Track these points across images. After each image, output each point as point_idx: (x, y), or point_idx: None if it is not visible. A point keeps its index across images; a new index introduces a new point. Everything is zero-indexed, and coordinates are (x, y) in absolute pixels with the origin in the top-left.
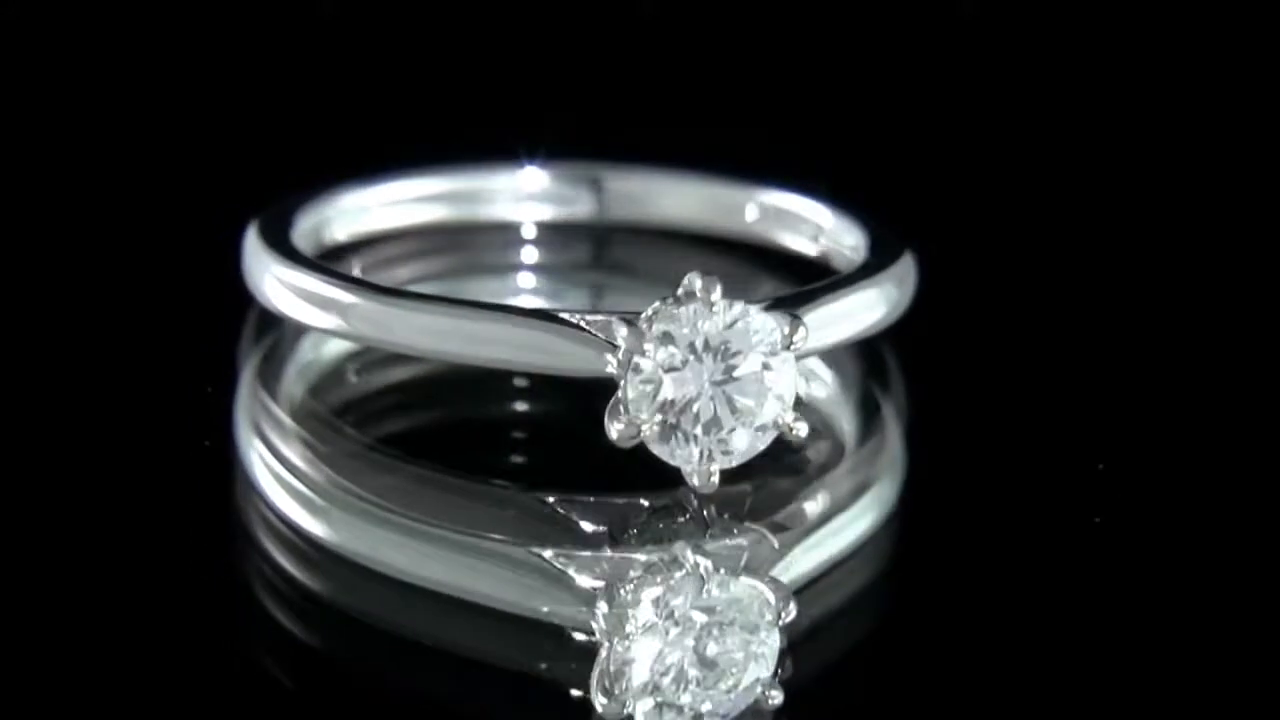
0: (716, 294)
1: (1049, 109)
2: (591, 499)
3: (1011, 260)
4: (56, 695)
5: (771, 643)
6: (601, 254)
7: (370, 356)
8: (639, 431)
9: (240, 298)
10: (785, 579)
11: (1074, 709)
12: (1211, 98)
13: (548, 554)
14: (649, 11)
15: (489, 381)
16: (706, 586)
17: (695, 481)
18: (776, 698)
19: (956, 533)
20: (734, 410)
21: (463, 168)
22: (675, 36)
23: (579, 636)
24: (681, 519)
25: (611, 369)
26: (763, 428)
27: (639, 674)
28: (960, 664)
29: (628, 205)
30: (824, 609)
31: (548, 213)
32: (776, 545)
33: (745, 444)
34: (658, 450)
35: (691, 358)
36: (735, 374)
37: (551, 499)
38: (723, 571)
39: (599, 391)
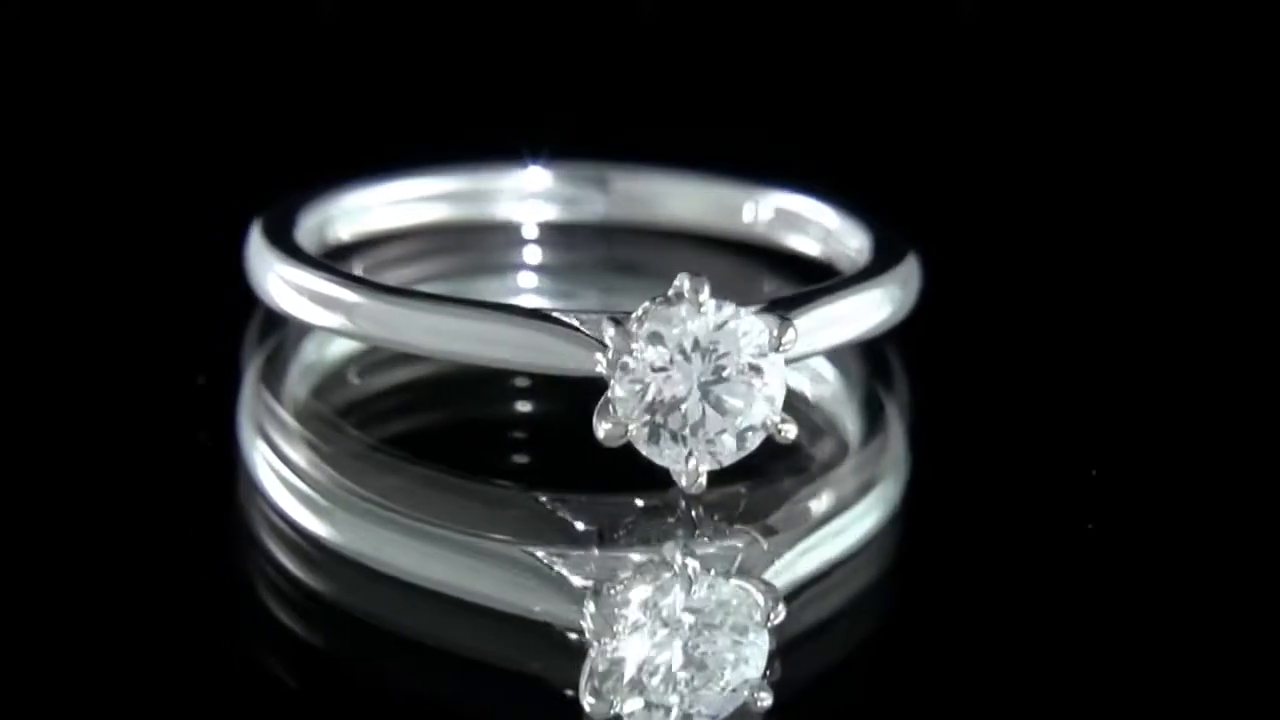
0: (705, 294)
1: (1050, 109)
2: (583, 498)
3: (1015, 261)
4: (60, 695)
5: (760, 644)
6: (606, 254)
7: (372, 358)
8: (626, 431)
9: (244, 297)
10: (780, 580)
11: (1076, 708)
12: (1212, 97)
13: (540, 553)
14: (649, 11)
15: (492, 382)
16: (695, 588)
17: (683, 482)
18: (765, 699)
19: (959, 532)
20: (722, 411)
21: (467, 167)
22: (676, 36)
23: (572, 636)
24: (670, 520)
25: (601, 368)
26: (751, 429)
27: (627, 674)
28: (963, 663)
29: (632, 205)
30: (827, 608)
31: (552, 213)
32: (766, 547)
33: (733, 445)
34: (646, 451)
35: (680, 358)
36: (724, 375)
37: (544, 498)
38: (712, 573)
39: (600, 392)
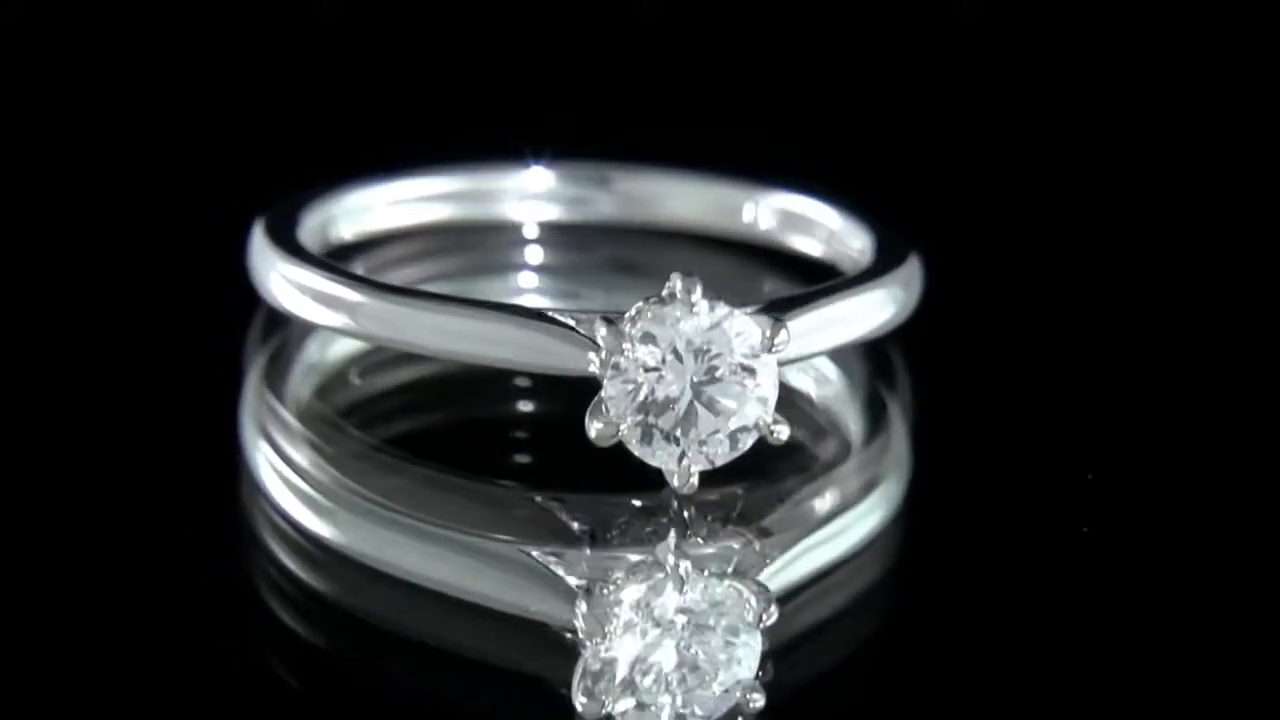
0: (697, 295)
1: (1051, 109)
2: (581, 499)
3: (1017, 261)
4: (63, 695)
5: (753, 645)
6: (608, 255)
7: (373, 359)
8: (618, 431)
9: (246, 297)
10: (776, 581)
11: (1079, 708)
12: (1212, 97)
13: (534, 553)
14: (649, 11)
15: (493, 382)
16: (688, 588)
17: (675, 482)
18: (758, 700)
19: (961, 531)
20: (715, 412)
21: (470, 167)
22: (678, 37)
23: (569, 636)
24: (664, 520)
25: (594, 368)
26: (744, 429)
27: (619, 675)
28: (965, 663)
29: (635, 206)
30: (829, 608)
31: (555, 213)
32: (759, 548)
33: (726, 446)
34: (638, 451)
35: (672, 358)
36: (716, 375)
37: (538, 498)
38: (705, 573)
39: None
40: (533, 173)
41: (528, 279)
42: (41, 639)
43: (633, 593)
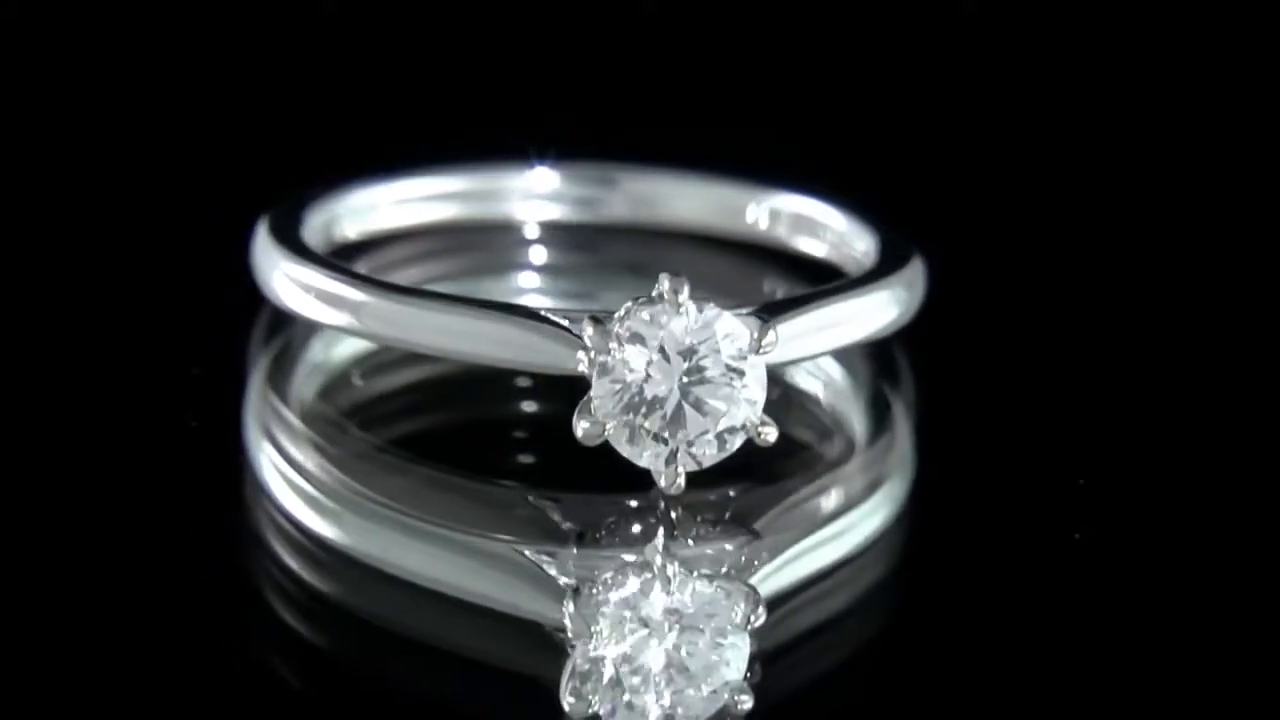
0: (685, 295)
1: (1052, 110)
2: (573, 498)
3: (1020, 262)
4: (67, 696)
5: (741, 646)
6: (613, 255)
7: (376, 360)
8: (604, 430)
9: (250, 297)
10: (772, 582)
11: (1083, 707)
12: (1213, 96)
13: (528, 553)
14: (649, 11)
15: (497, 382)
16: (676, 589)
17: (662, 483)
18: (746, 702)
19: (964, 530)
20: (703, 412)
21: (475, 167)
22: (682, 37)
23: (559, 636)
24: (652, 521)
25: (583, 367)
26: (731, 430)
27: (607, 675)
28: (969, 662)
29: (641, 206)
30: (833, 607)
31: (560, 213)
32: (749, 550)
33: (714, 447)
34: (625, 451)
35: (659, 358)
36: (704, 376)
37: (531, 497)
38: (695, 574)
39: None
40: (537, 173)
41: (532, 279)
42: (46, 640)
43: (620, 593)
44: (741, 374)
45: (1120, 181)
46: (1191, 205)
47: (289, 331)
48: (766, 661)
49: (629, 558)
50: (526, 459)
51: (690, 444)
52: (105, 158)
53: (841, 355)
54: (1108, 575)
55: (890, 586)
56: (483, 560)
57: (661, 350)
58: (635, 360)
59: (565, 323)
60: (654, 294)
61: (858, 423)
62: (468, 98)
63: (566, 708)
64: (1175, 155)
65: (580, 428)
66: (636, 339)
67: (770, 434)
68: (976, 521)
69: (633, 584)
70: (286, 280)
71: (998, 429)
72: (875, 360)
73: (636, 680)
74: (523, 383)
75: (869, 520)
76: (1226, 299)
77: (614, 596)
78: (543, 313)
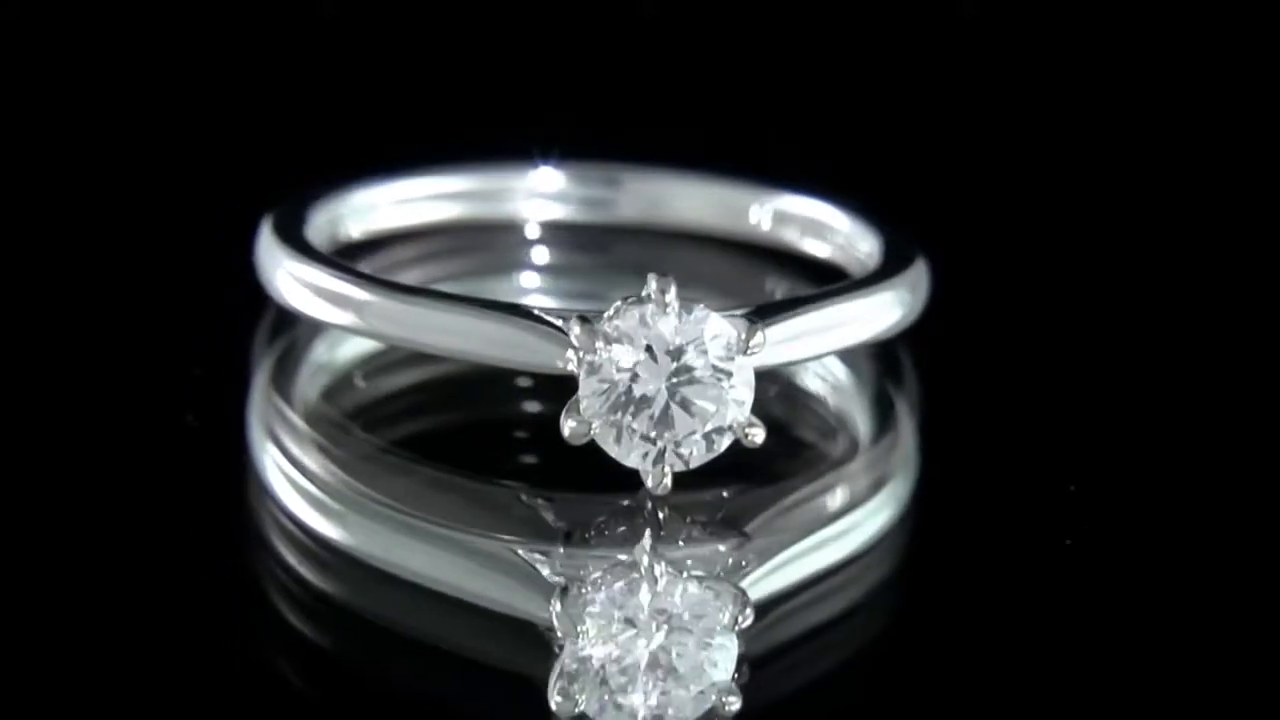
0: (672, 295)
1: (1054, 110)
2: (566, 497)
3: (1023, 263)
4: (71, 697)
5: (729, 647)
6: (616, 255)
7: (379, 361)
8: (590, 430)
9: (255, 297)
10: (774, 581)
11: (1085, 708)
12: (1215, 96)
13: (521, 552)
14: (649, 11)
15: (501, 382)
16: (664, 589)
17: (650, 483)
18: (734, 704)
19: (968, 529)
20: (690, 412)
21: (479, 167)
22: (684, 37)
23: (548, 635)
24: (640, 520)
25: (572, 366)
26: (719, 431)
27: (594, 675)
28: (972, 662)
29: (645, 207)
30: (836, 606)
31: (563, 213)
32: (736, 552)
33: (701, 447)
34: (613, 451)
35: (646, 357)
36: (691, 376)
37: (523, 495)
38: (683, 575)
39: None
40: (541, 173)
41: (535, 279)
42: (50, 640)
43: (607, 593)
44: (729, 375)
45: (1122, 182)
46: (1193, 205)
47: (293, 333)
48: (767, 662)
49: (620, 557)
50: (529, 459)
51: (678, 444)
52: (109, 158)
53: (845, 355)
54: (1109, 575)
55: (893, 586)
56: (483, 561)
57: (649, 350)
58: (623, 360)
59: (559, 322)
60: (642, 294)
61: (861, 422)
62: (470, 98)
63: (554, 707)
64: (1177, 155)
65: (567, 426)
66: (624, 338)
67: (758, 435)
68: (979, 521)
69: (620, 584)
70: (290, 279)
71: (1000, 429)
72: (879, 360)
73: (624, 680)
74: (525, 383)
75: (873, 519)
76: (1228, 299)
77: (601, 596)
78: (536, 311)
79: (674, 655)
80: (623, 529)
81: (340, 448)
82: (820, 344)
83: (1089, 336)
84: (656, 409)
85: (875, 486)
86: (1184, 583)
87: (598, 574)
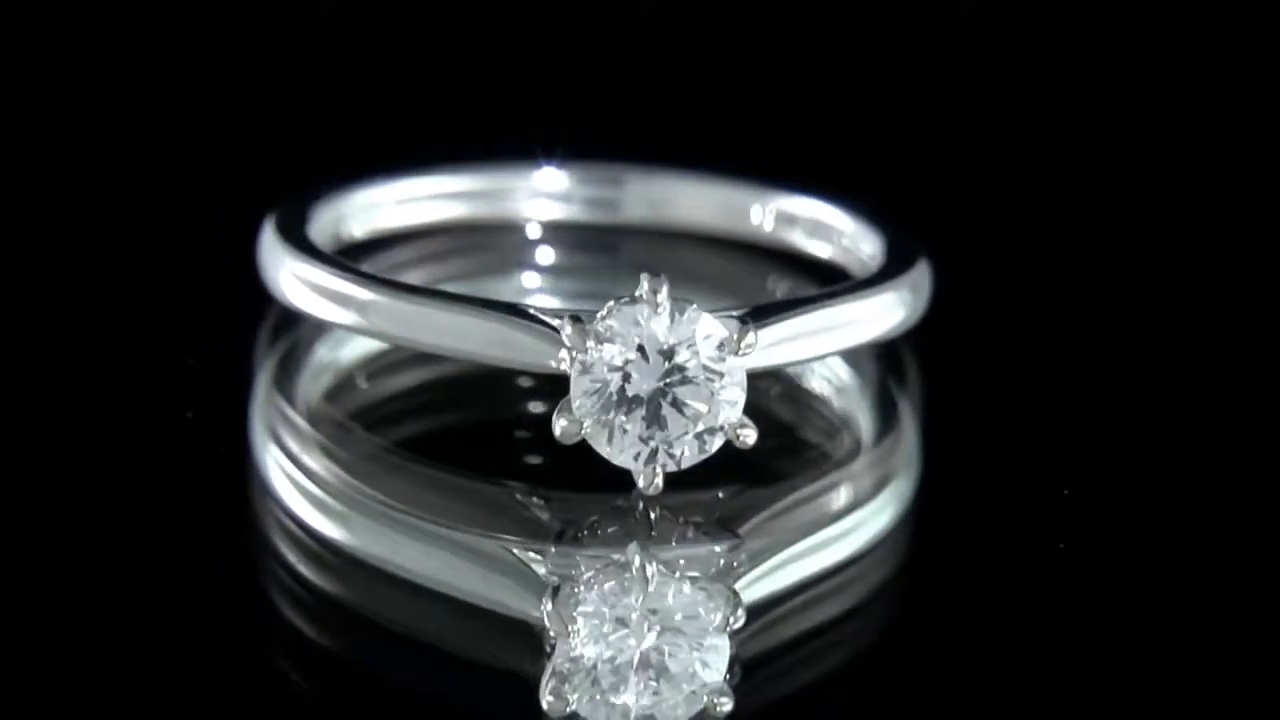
0: (663, 295)
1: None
2: (563, 496)
3: (1026, 263)
4: (74, 698)
5: (721, 648)
6: (619, 255)
7: (382, 362)
8: (582, 429)
9: (258, 297)
10: (761, 584)
11: (1088, 707)
12: (1215, 95)
13: (516, 551)
14: (649, 11)
15: (503, 382)
16: (656, 590)
17: (641, 483)
18: (725, 705)
19: (970, 528)
20: (682, 412)
21: (482, 166)
22: (686, 38)
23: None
24: (633, 520)
25: (565, 365)
26: (710, 431)
27: (586, 675)
28: (974, 662)
29: (647, 207)
30: (840, 605)
31: (566, 213)
32: (726, 553)
33: (693, 447)
34: (604, 451)
35: (638, 357)
36: (683, 376)
37: (519, 495)
38: (677, 575)
39: None
40: (545, 173)
41: (538, 279)
42: (53, 641)
43: (599, 592)
44: (721, 375)
45: (1125, 182)
46: (1195, 205)
47: (295, 333)
48: (766, 663)
49: (615, 557)
50: (533, 460)
51: (670, 444)
52: (111, 159)
53: (849, 355)
54: (1108, 576)
55: (896, 585)
56: (482, 561)
57: (641, 350)
58: (614, 359)
59: (554, 321)
60: (635, 294)
61: (864, 422)
62: (474, 97)
63: (545, 706)
64: (1179, 155)
65: (558, 426)
66: (616, 338)
67: (749, 436)
68: (981, 521)
69: (612, 583)
70: (292, 278)
71: (1002, 430)
72: (882, 360)
73: (615, 680)
74: (527, 384)
75: (875, 520)
76: (1230, 299)
77: (593, 596)
78: (531, 311)
79: (666, 655)
80: (614, 529)
81: (342, 448)
82: (822, 344)
83: (1091, 337)
84: (648, 409)
85: (878, 486)
86: (1184, 584)
87: (590, 573)
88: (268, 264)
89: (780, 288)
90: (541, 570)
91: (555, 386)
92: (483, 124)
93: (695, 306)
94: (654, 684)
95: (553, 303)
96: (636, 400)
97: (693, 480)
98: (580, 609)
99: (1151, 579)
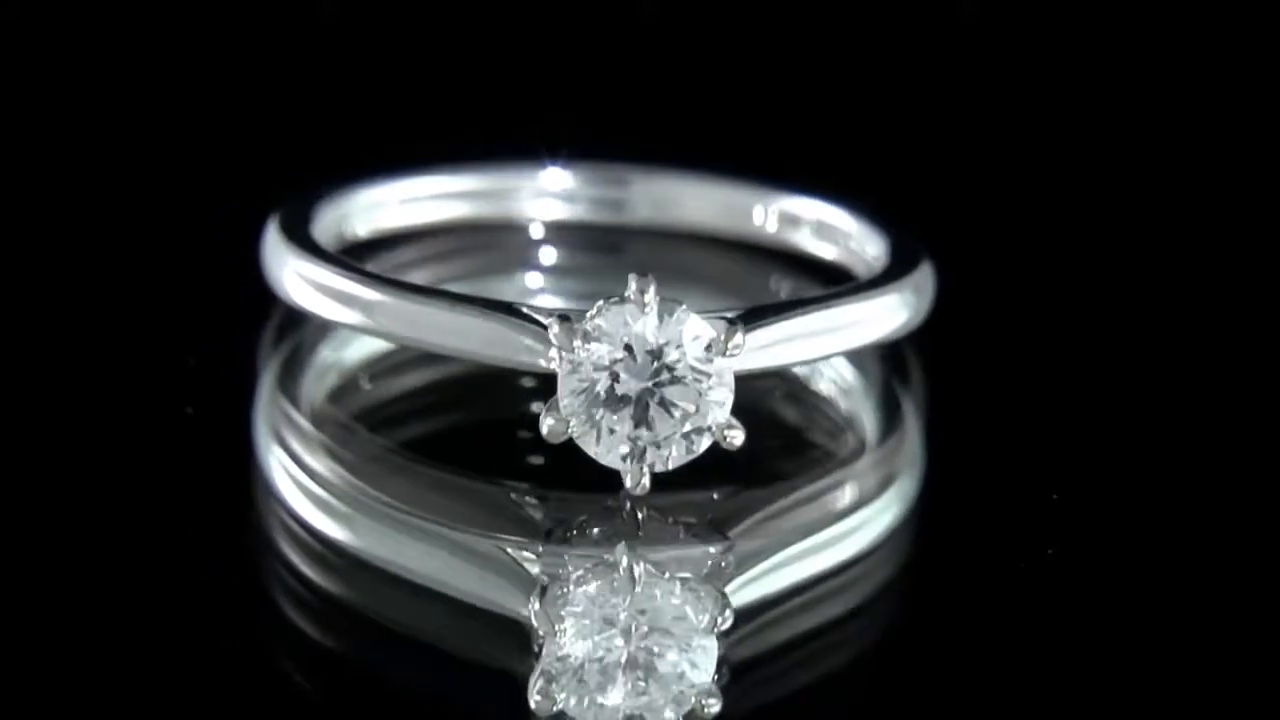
0: (651, 295)
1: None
2: (558, 496)
3: (1029, 263)
4: (77, 699)
5: (709, 649)
6: (622, 255)
7: (385, 363)
8: (568, 428)
9: (262, 296)
10: (754, 586)
11: (1093, 706)
12: (1216, 94)
13: (510, 550)
14: (649, 11)
15: (506, 382)
16: (644, 590)
17: (628, 483)
18: (714, 705)
19: (974, 528)
20: (670, 413)
21: (486, 166)
22: (687, 38)
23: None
24: (621, 520)
25: (554, 364)
26: (698, 431)
27: (573, 674)
28: (977, 661)
29: (651, 207)
30: (844, 604)
31: (570, 213)
32: (714, 554)
33: (680, 448)
34: (591, 450)
35: (626, 357)
36: (671, 377)
37: (513, 494)
38: (665, 576)
39: None
40: (549, 173)
41: (542, 279)
42: (55, 642)
43: (588, 593)
44: (709, 376)
45: (1127, 182)
46: (1196, 204)
47: (299, 334)
48: (763, 664)
49: (605, 557)
50: (536, 461)
51: (657, 444)
52: (114, 159)
53: (853, 356)
54: (1110, 576)
55: (899, 585)
56: (481, 562)
57: (629, 350)
58: (602, 359)
59: (547, 321)
60: (625, 294)
61: (869, 422)
62: (478, 97)
63: (533, 706)
64: (1180, 154)
65: (545, 425)
66: (603, 337)
67: (736, 437)
68: (985, 521)
69: (600, 583)
70: (296, 278)
71: (1006, 431)
72: (887, 361)
73: (603, 680)
74: (530, 384)
75: (879, 520)
76: (1232, 298)
77: (581, 595)
78: (524, 310)
79: (654, 656)
80: (600, 529)
81: (346, 449)
82: (825, 345)
83: (1095, 338)
84: (635, 409)
85: (882, 487)
86: (1184, 584)
87: (579, 573)
88: (271, 263)
89: (783, 289)
90: (535, 570)
91: (555, 386)
92: (487, 124)
93: (684, 307)
94: (642, 684)
95: (555, 303)
96: (624, 400)
97: (689, 481)
98: (568, 608)
99: (1151, 579)
